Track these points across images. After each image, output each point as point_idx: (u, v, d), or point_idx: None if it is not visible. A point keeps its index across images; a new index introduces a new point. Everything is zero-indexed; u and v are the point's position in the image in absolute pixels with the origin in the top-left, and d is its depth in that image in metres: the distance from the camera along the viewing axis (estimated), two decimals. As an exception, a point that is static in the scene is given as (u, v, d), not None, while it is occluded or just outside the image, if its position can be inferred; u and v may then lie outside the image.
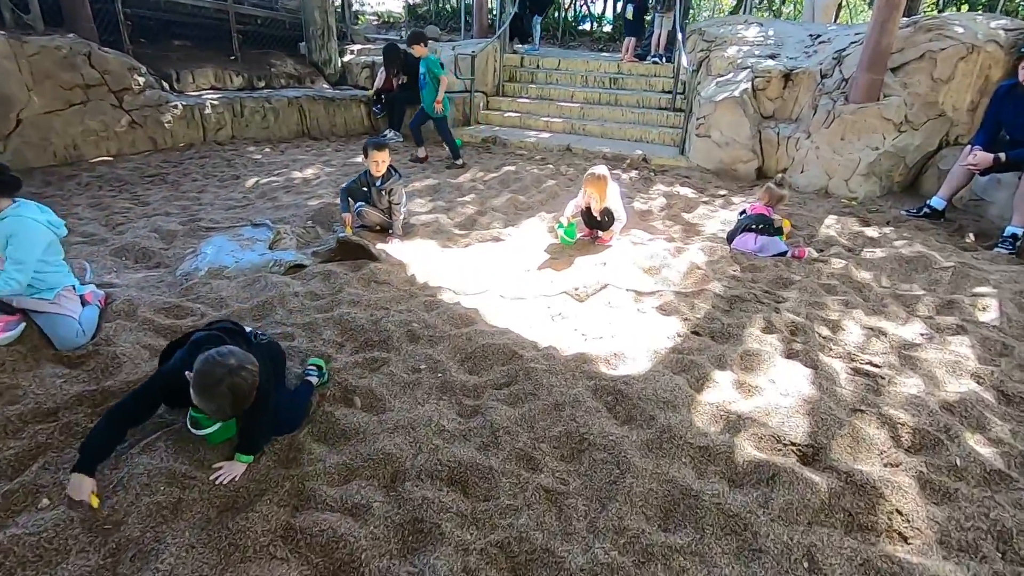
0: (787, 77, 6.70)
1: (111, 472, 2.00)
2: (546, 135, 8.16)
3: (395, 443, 2.20)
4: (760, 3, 12.98)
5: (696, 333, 3.09)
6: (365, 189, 4.28)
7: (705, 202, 5.65)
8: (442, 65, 6.77)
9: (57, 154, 5.95)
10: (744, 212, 4.46)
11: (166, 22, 8.03)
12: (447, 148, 6.91)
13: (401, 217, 4.31)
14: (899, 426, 2.37)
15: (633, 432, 2.30)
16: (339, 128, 8.41)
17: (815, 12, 9.31)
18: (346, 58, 9.39)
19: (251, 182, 5.84)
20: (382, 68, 8.13)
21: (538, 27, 10.41)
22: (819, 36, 7.30)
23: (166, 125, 6.71)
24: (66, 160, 6.01)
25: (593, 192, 4.20)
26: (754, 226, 4.21)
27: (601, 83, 9.00)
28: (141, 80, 6.49)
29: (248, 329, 2.29)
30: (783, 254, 4.16)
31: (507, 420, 2.34)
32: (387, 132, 8.25)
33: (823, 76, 6.46)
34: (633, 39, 9.27)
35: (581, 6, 13.28)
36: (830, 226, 4.96)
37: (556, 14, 12.65)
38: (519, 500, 1.98)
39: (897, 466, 2.19)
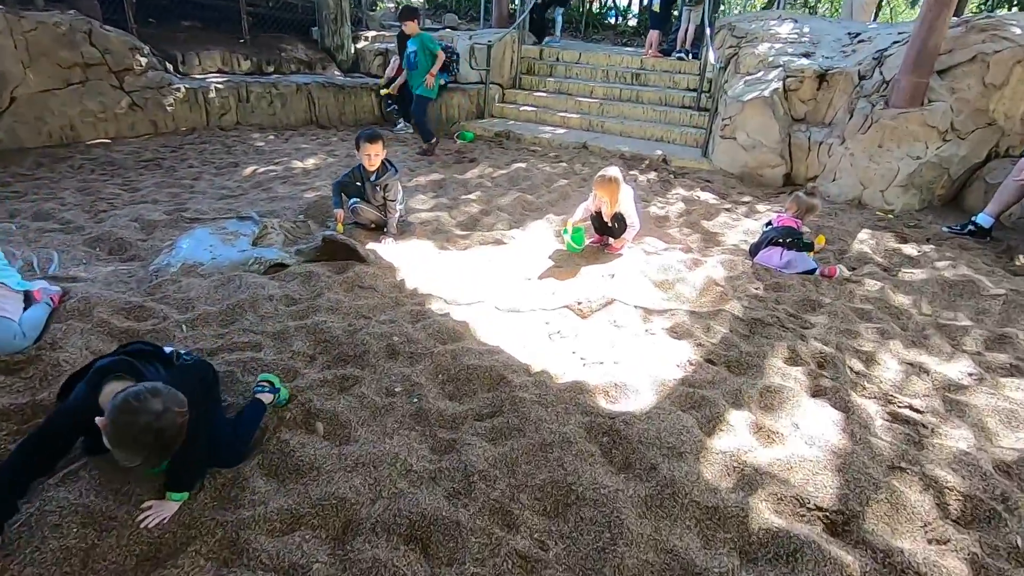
0: (822, 78, 6.25)
1: (24, 507, 1.73)
2: (562, 131, 7.80)
3: (352, 485, 1.90)
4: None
5: (710, 362, 2.74)
6: (359, 184, 3.98)
7: (727, 209, 5.27)
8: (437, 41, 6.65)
9: (53, 135, 5.76)
10: (770, 223, 4.08)
11: (175, 2, 7.82)
12: (418, 129, 6.83)
13: (396, 215, 4.01)
14: (946, 491, 2.01)
15: (630, 484, 1.97)
16: (348, 117, 8.14)
17: (853, 10, 8.79)
18: (360, 45, 9.11)
19: (249, 170, 5.59)
20: (395, 56, 7.82)
21: (560, 19, 10.01)
22: (858, 35, 6.82)
23: (168, 108, 6.49)
24: (62, 141, 5.81)
25: (604, 196, 3.86)
26: (781, 239, 3.83)
27: (623, 78, 8.60)
28: (143, 60, 6.27)
29: (168, 349, 2.00)
30: (811, 272, 3.78)
31: (485, 461, 2.03)
32: (399, 123, 7.96)
33: (861, 77, 6.01)
34: (658, 33, 8.83)
35: (606, -1, 12.82)
36: (864, 241, 4.55)
37: (580, 7, 12.22)
38: (488, 567, 1.67)
39: (945, 543, 1.83)
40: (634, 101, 8.18)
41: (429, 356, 2.66)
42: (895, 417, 2.42)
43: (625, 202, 3.92)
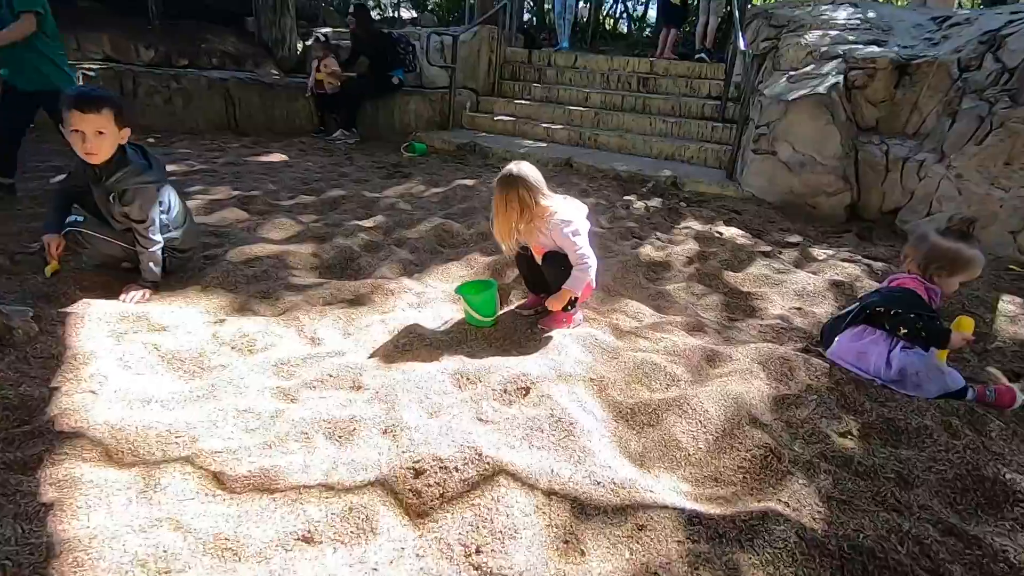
0: (902, 70, 4.37)
1: None
2: (543, 146, 6.02)
3: None
4: None
5: None
6: (87, 190, 2.17)
7: (764, 254, 3.34)
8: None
9: None
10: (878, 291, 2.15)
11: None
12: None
13: (152, 250, 2.18)
14: None
15: None
16: (279, 124, 6.48)
17: None
18: (310, 41, 7.54)
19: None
20: (315, 59, 6.22)
21: (567, 24, 8.26)
22: (947, 19, 4.95)
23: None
24: None
25: (502, 215, 2.04)
26: (884, 315, 1.89)
27: (626, 84, 6.84)
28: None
29: None
30: (960, 395, 1.81)
31: None
32: (336, 133, 6.29)
33: (963, 69, 4.11)
34: (674, 31, 7.08)
35: (615, 3, 11.19)
36: (1014, 317, 2.57)
37: (587, 12, 10.57)
38: None
39: None
40: (639, 111, 6.38)
41: None
42: None
43: (561, 226, 2.06)
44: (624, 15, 11.57)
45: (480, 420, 1.57)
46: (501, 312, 2.32)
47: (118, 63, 5.86)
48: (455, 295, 2.25)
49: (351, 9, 6.59)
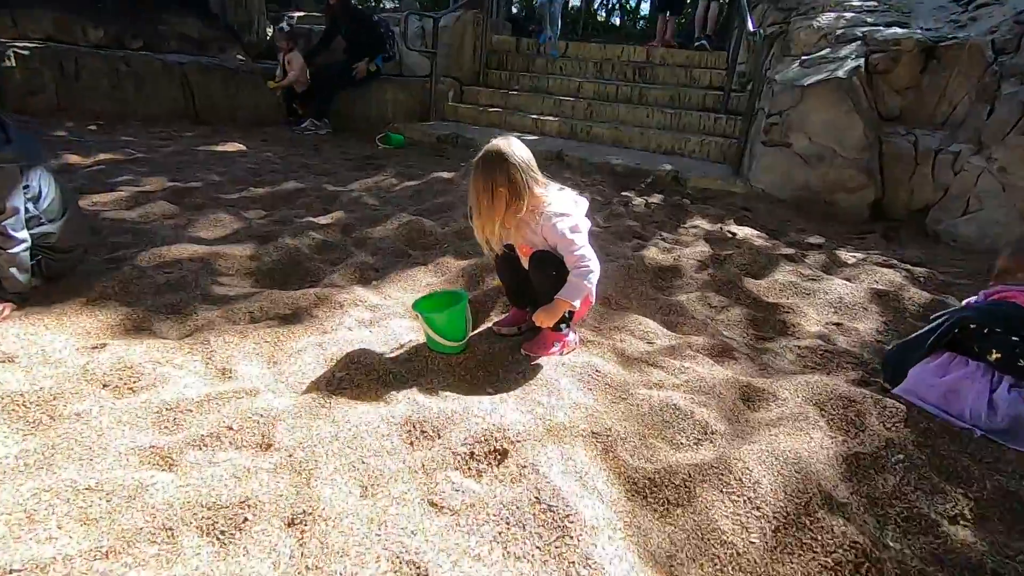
0: (929, 53, 3.93)
1: None
2: (532, 138, 5.51)
3: None
4: None
5: None
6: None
7: (787, 257, 2.87)
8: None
9: None
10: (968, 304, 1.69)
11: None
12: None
13: (15, 249, 1.65)
14: None
15: None
16: (245, 112, 5.91)
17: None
18: (283, 25, 6.98)
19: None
20: (279, 53, 5.71)
21: (556, 13, 7.58)
22: (973, 0, 4.53)
23: (-75, 77, 4.31)
24: None
25: (486, 206, 1.55)
26: (976, 343, 1.42)
27: (621, 74, 6.36)
28: None
29: None
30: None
31: None
32: (306, 123, 5.76)
33: (998, 52, 3.68)
34: (670, 17, 6.62)
35: (609, -7, 10.71)
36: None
37: (579, 2, 10.03)
38: None
39: None
40: (635, 102, 5.90)
41: None
42: None
43: (555, 219, 1.57)
44: (617, 6, 11.12)
45: (433, 505, 1.07)
46: (474, 332, 1.82)
47: (60, 43, 5.28)
48: (414, 312, 1.74)
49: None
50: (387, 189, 3.63)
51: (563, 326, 1.69)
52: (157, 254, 2.22)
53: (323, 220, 2.89)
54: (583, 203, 1.72)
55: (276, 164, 4.09)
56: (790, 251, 3.00)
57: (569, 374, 1.55)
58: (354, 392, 1.48)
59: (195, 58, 5.83)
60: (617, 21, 10.81)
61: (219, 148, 4.40)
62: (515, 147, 1.57)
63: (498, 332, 1.84)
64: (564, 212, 1.60)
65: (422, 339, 1.72)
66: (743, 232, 3.28)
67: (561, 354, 1.69)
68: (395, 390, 1.49)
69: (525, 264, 1.72)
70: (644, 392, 1.49)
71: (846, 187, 3.83)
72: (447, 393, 1.48)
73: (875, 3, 4.83)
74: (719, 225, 3.43)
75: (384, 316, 1.93)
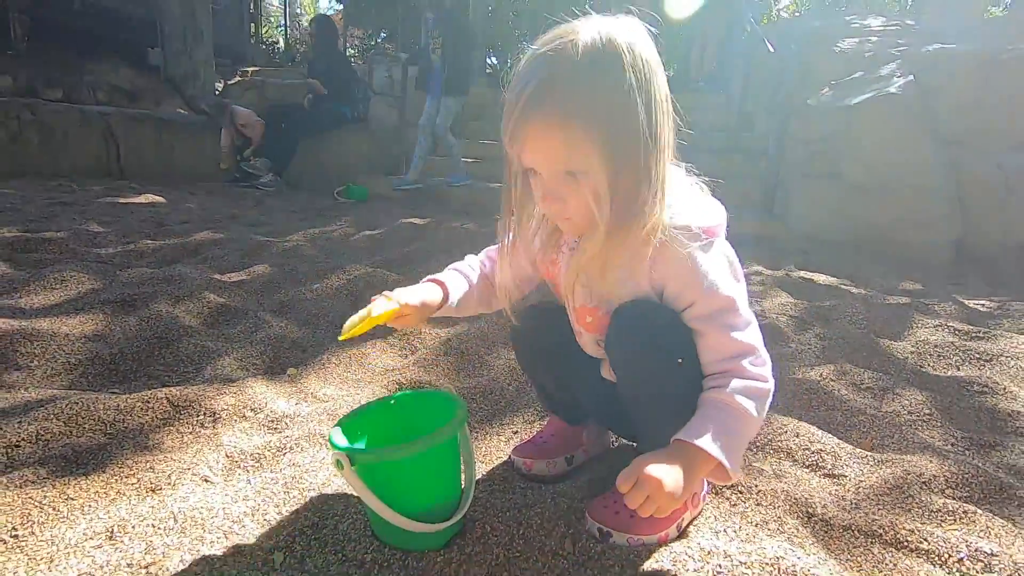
0: (986, 67, 3.34)
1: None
2: (518, 186, 4.74)
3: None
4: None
5: None
6: None
7: (913, 308, 2.00)
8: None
9: None
10: None
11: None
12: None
13: None
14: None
15: None
16: (180, 167, 5.04)
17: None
18: (234, 80, 6.30)
19: None
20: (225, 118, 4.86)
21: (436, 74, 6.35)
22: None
23: None
24: None
25: (545, 176, 0.63)
26: None
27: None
28: None
29: None
30: None
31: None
32: (265, 176, 4.90)
33: (1075, 59, 3.08)
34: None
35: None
36: None
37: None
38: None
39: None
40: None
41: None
42: None
43: (693, 251, 0.66)
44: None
45: None
46: (479, 479, 0.85)
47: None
48: (337, 453, 0.76)
49: (310, 21, 5.32)
50: (338, 239, 2.71)
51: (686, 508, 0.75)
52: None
53: (232, 277, 1.94)
54: (722, 212, 0.78)
55: (196, 215, 3.16)
56: (904, 299, 2.15)
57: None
58: None
59: (121, 109, 5.01)
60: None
61: (125, 200, 3.47)
62: (639, 47, 0.65)
63: (528, 472, 0.88)
64: (711, 232, 0.70)
65: (361, 512, 0.75)
66: (821, 278, 2.44)
67: (681, 530, 0.73)
68: None
69: (585, 343, 0.80)
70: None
71: (919, 221, 3.07)
72: None
73: (897, 27, 4.34)
74: (783, 271, 2.59)
75: (287, 443, 0.96)
